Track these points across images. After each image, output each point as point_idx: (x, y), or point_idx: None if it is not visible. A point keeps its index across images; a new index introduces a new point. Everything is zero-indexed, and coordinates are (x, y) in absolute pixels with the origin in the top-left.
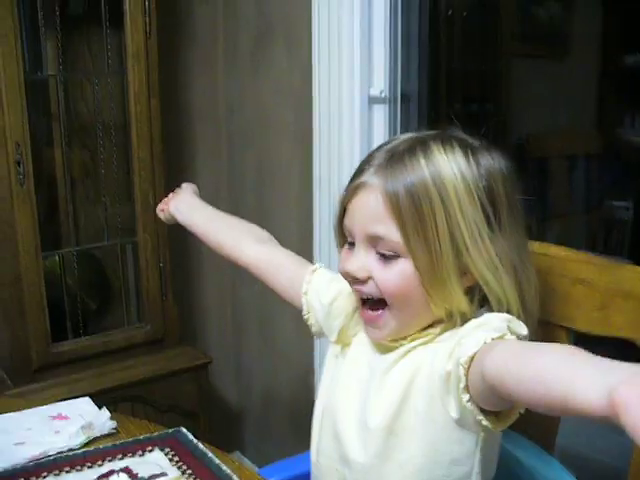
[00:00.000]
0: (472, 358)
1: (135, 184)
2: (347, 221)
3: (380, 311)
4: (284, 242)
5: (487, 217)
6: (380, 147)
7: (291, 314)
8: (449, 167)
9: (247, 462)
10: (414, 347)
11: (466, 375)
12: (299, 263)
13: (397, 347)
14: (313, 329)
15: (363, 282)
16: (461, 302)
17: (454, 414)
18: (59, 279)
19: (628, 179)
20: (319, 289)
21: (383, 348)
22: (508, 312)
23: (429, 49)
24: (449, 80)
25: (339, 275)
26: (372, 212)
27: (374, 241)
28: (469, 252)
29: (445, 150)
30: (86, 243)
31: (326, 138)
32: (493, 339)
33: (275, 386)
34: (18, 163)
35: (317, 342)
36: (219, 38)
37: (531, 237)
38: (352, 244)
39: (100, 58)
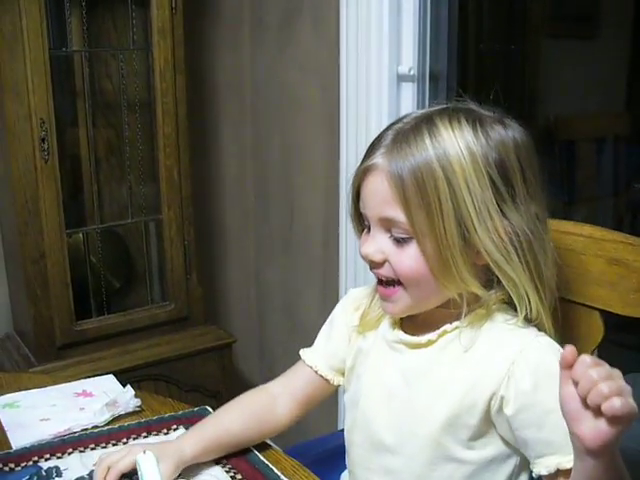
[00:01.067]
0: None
1: (160, 161)
2: (361, 205)
3: (395, 287)
4: (309, 223)
5: (498, 193)
6: (389, 126)
7: (315, 295)
8: (455, 144)
9: (269, 442)
10: (444, 347)
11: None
12: (296, 376)
13: (424, 345)
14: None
15: (380, 265)
16: (470, 284)
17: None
18: (83, 257)
19: None
20: (324, 349)
21: (409, 345)
22: (526, 293)
23: (458, 28)
24: (478, 60)
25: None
26: (380, 195)
27: (387, 224)
28: (477, 233)
29: (452, 126)
30: (110, 221)
31: (353, 117)
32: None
33: None
34: (43, 140)
35: None
36: (245, 14)
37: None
38: (370, 228)
39: (125, 34)
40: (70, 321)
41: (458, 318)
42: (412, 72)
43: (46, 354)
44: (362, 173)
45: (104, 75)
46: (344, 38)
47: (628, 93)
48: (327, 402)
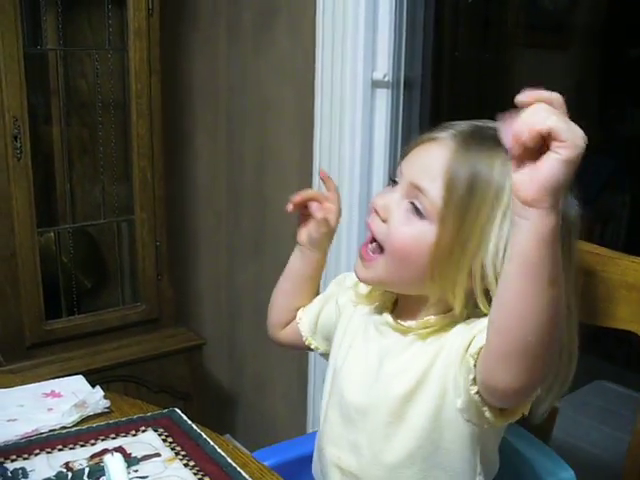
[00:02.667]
0: (481, 348)
1: (133, 161)
2: (404, 163)
3: (377, 255)
4: (282, 227)
5: None
6: (468, 121)
7: None
8: None
9: (237, 445)
10: (429, 333)
11: (475, 366)
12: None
13: (405, 331)
14: (320, 350)
15: (382, 219)
16: (457, 295)
17: (459, 404)
18: (54, 256)
19: (625, 174)
20: (318, 308)
21: (393, 328)
22: None
23: (434, 35)
24: (452, 67)
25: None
26: (429, 165)
27: (414, 192)
28: (488, 258)
29: None
30: (82, 221)
31: (327, 121)
32: None
33: (268, 370)
34: (15, 138)
35: None
36: (222, 17)
37: None
38: (395, 182)
39: (101, 34)
40: (40, 320)
41: (445, 312)
42: (387, 78)
43: (15, 353)
44: (424, 140)
45: (79, 74)
46: (320, 43)
47: (599, 104)
48: (295, 406)
